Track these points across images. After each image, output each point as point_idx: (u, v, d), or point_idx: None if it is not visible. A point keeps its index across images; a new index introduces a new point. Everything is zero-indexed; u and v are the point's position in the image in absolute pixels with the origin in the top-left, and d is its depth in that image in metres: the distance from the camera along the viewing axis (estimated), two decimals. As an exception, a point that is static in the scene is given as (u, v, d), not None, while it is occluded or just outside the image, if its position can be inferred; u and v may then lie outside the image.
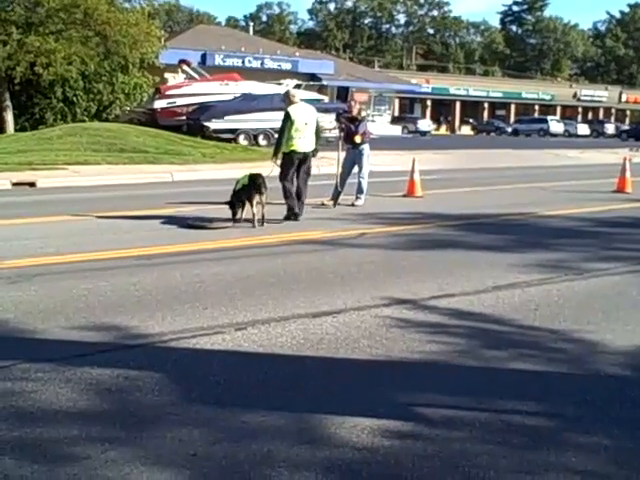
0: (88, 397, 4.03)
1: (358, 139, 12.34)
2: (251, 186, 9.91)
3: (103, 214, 10.84)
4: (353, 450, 3.47)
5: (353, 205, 12.26)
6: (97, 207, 11.62)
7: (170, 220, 10.33)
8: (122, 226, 9.90)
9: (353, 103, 13.35)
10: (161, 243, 8.60)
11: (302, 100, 11.29)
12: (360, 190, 12.47)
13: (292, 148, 10.56)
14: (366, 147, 12.59)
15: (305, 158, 10.76)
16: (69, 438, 3.53)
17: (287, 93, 11.23)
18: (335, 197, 12.30)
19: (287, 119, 10.55)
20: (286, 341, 5.03)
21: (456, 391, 4.25)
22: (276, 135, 11.23)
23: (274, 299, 6.09)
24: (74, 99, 29.40)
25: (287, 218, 10.47)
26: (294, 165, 10.63)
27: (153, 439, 3.54)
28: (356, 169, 12.57)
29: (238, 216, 10.05)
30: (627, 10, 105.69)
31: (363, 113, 13.25)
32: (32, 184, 15.50)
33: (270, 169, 10.54)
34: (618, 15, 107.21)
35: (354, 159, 12.58)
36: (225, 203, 10.13)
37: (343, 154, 12.83)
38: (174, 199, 12.76)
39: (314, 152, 10.98)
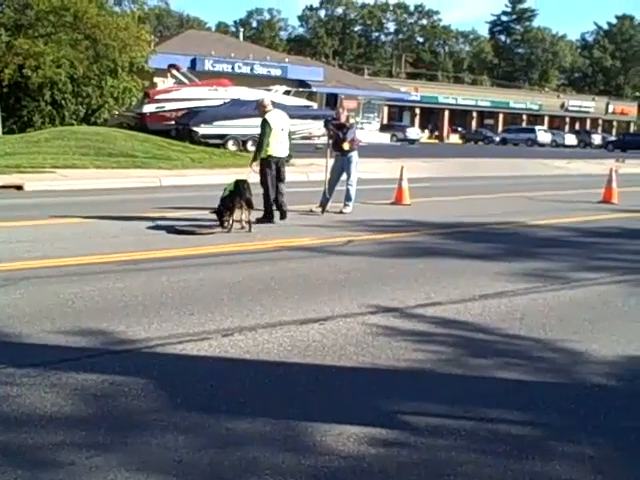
0: (73, 402, 4.01)
1: (346, 146, 12.34)
2: (237, 192, 9.98)
3: (90, 218, 10.81)
4: (339, 458, 3.47)
5: (341, 212, 12.27)
6: (84, 211, 11.57)
7: (158, 225, 10.31)
8: (109, 231, 9.86)
9: (341, 110, 13.28)
10: (148, 248, 8.58)
11: (275, 107, 11.59)
12: (348, 197, 12.48)
13: (269, 153, 10.88)
14: (354, 154, 12.60)
15: (281, 163, 11.03)
16: (54, 444, 3.51)
17: (261, 103, 11.36)
18: (323, 204, 12.31)
19: (266, 126, 10.82)
20: (273, 348, 5.03)
21: (442, 399, 4.26)
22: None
23: (261, 305, 6.09)
24: (63, 102, 29.28)
25: (262, 221, 10.76)
26: (272, 169, 10.93)
27: (138, 445, 3.53)
28: (344, 176, 12.58)
29: (226, 223, 10.05)
30: (614, 22, 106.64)
31: (352, 120, 13.23)
32: (19, 187, 15.41)
33: (247, 174, 10.68)
34: (606, 26, 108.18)
35: (342, 166, 12.58)
36: (213, 212, 10.15)
37: (331, 161, 12.85)
38: (162, 204, 12.73)
39: (288, 158, 11.37)
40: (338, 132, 12.43)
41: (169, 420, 3.81)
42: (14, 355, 4.74)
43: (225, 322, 5.58)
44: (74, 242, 8.94)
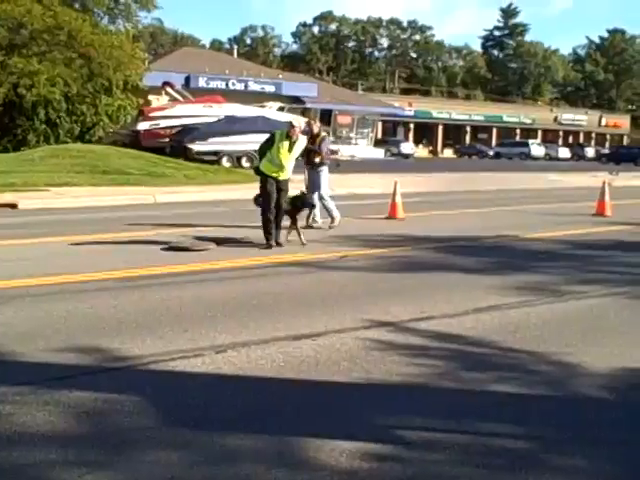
0: (66, 420, 4.00)
1: (318, 159, 12.16)
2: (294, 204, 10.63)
3: (84, 236, 10.80)
4: (332, 473, 3.47)
5: (330, 227, 12.20)
6: (79, 229, 11.58)
7: (152, 242, 10.31)
8: (103, 248, 9.87)
9: (312, 122, 12.90)
10: (142, 265, 8.57)
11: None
12: (328, 211, 12.33)
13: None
14: (325, 168, 12.36)
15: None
16: (46, 462, 3.50)
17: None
18: (308, 216, 12.18)
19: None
20: (266, 364, 5.02)
21: (435, 413, 4.26)
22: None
23: (255, 321, 6.09)
24: (57, 121, 29.38)
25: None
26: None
27: (131, 462, 3.52)
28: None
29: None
30: (606, 35, 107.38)
31: (323, 133, 12.92)
32: (13, 205, 15.42)
33: None
34: (597, 40, 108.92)
35: (314, 180, 12.45)
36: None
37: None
38: (156, 221, 12.74)
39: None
40: (313, 145, 12.18)
41: (162, 437, 3.80)
42: (7, 373, 4.73)
43: (218, 338, 5.58)
44: (68, 260, 8.94)
